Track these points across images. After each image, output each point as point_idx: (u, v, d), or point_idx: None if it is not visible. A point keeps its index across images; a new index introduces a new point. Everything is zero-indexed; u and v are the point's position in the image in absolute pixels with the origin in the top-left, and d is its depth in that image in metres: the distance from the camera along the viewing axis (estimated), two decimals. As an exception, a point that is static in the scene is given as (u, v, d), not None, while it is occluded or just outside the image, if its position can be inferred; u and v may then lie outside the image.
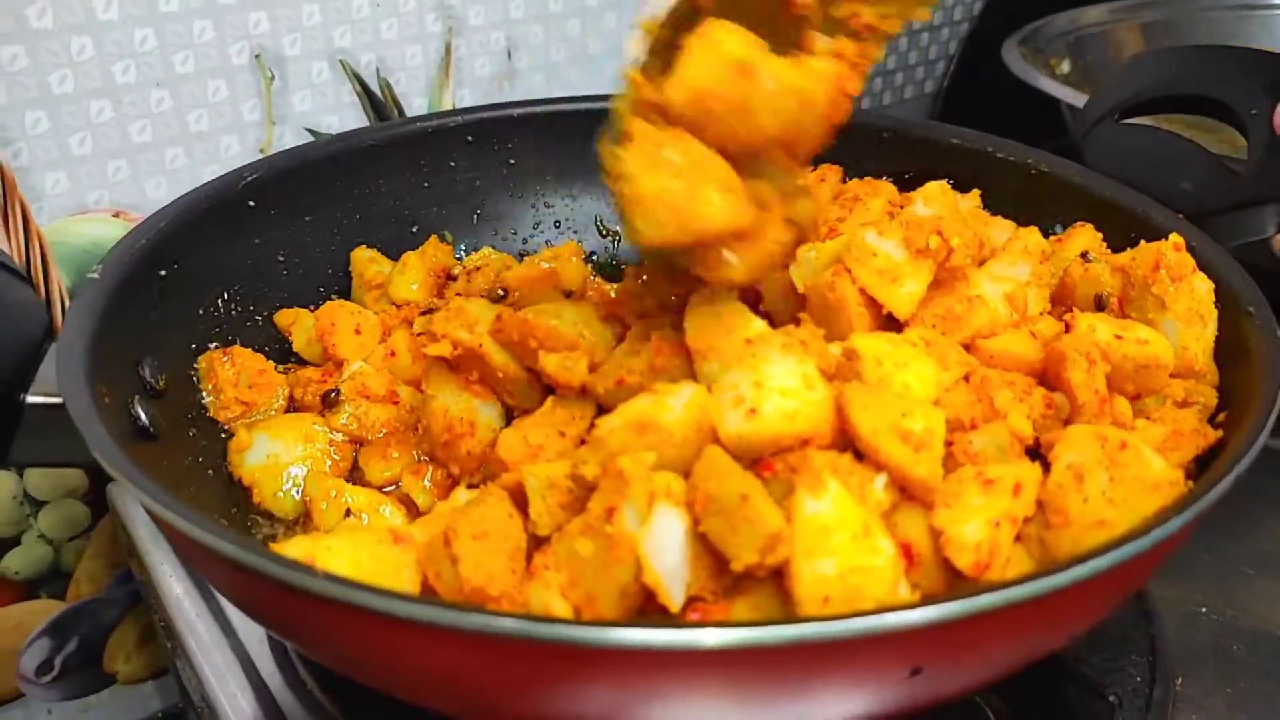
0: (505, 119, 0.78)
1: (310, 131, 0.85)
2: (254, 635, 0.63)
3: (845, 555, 0.39)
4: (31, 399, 0.50)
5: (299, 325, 0.67)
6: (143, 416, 0.52)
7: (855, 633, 0.34)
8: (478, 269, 0.70)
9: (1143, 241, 0.57)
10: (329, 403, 0.60)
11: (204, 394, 0.60)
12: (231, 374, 0.60)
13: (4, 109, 0.71)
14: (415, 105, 0.89)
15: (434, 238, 0.73)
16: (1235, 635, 0.59)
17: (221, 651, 0.62)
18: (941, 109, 1.32)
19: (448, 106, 0.91)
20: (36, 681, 0.88)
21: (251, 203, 0.67)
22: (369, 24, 0.84)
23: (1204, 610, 0.61)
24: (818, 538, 0.39)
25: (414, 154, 0.74)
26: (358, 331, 0.64)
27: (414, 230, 0.75)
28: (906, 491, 0.43)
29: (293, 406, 0.63)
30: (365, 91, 0.86)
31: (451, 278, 0.71)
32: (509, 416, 0.56)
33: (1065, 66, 1.15)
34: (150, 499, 0.40)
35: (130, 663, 0.92)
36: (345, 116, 0.86)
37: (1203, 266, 0.55)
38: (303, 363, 0.67)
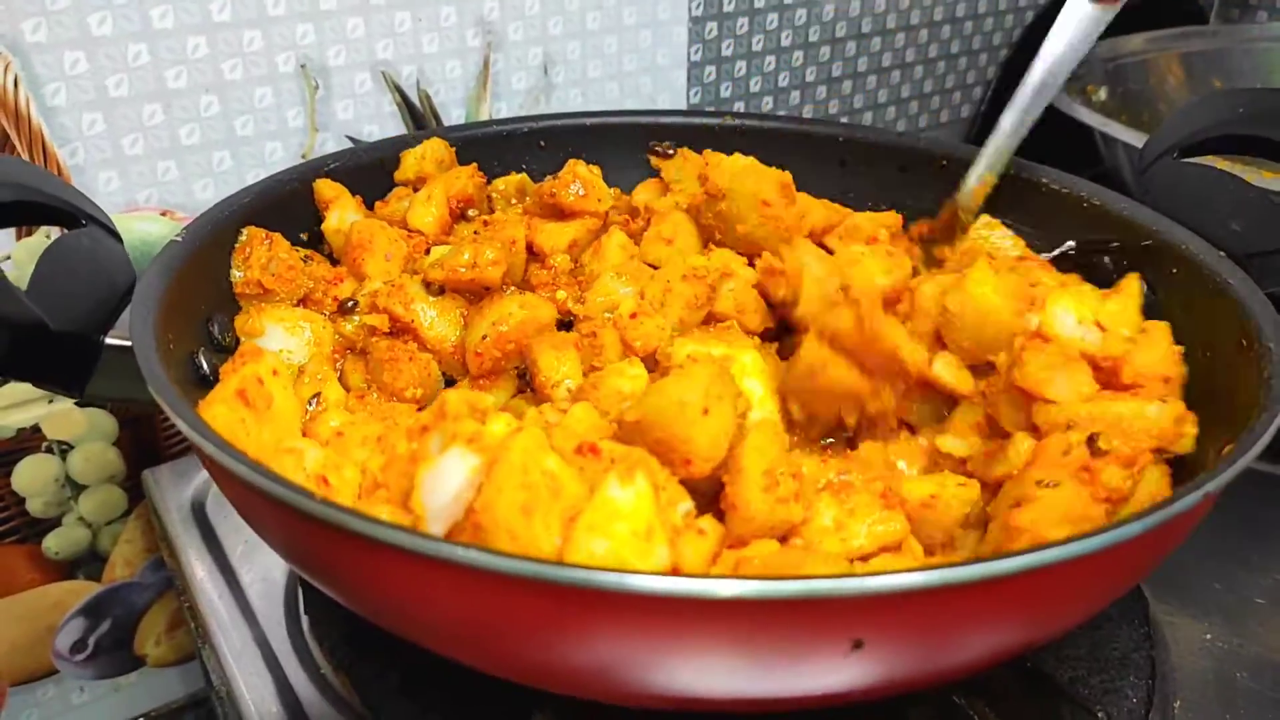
0: (578, 127, 0.81)
1: (351, 139, 0.88)
2: (273, 620, 0.65)
3: (618, 543, 0.41)
4: (109, 340, 0.55)
5: (338, 209, 0.70)
6: (204, 366, 0.57)
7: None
8: (487, 220, 0.72)
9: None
10: (343, 309, 0.65)
11: (233, 266, 0.64)
12: (264, 257, 0.63)
13: (64, 110, 0.75)
14: (454, 116, 0.92)
15: (473, 166, 0.75)
16: (1240, 663, 0.59)
17: (241, 635, 0.65)
18: (978, 134, 1.32)
19: (485, 118, 0.94)
20: (70, 659, 0.91)
21: None
22: (411, 37, 0.87)
23: (1209, 637, 0.60)
24: (604, 517, 0.42)
25: (488, 154, 0.78)
26: (388, 257, 0.67)
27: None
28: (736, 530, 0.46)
29: (301, 298, 0.66)
30: (405, 102, 0.89)
31: (466, 217, 0.72)
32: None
33: (1103, 94, 1.15)
34: (188, 426, 0.44)
35: (160, 646, 0.95)
36: (385, 125, 0.89)
37: (1236, 301, 0.57)
38: (318, 239, 0.70)
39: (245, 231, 0.64)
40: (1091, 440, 0.50)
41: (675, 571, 0.44)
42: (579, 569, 0.36)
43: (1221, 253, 0.61)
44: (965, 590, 0.36)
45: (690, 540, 0.45)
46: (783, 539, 0.48)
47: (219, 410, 0.50)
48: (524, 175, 0.78)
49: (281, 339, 0.62)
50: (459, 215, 0.72)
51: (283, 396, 0.53)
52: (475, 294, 0.64)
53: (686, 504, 0.46)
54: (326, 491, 0.47)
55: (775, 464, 0.47)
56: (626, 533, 0.42)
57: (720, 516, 0.48)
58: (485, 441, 0.44)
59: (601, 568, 0.39)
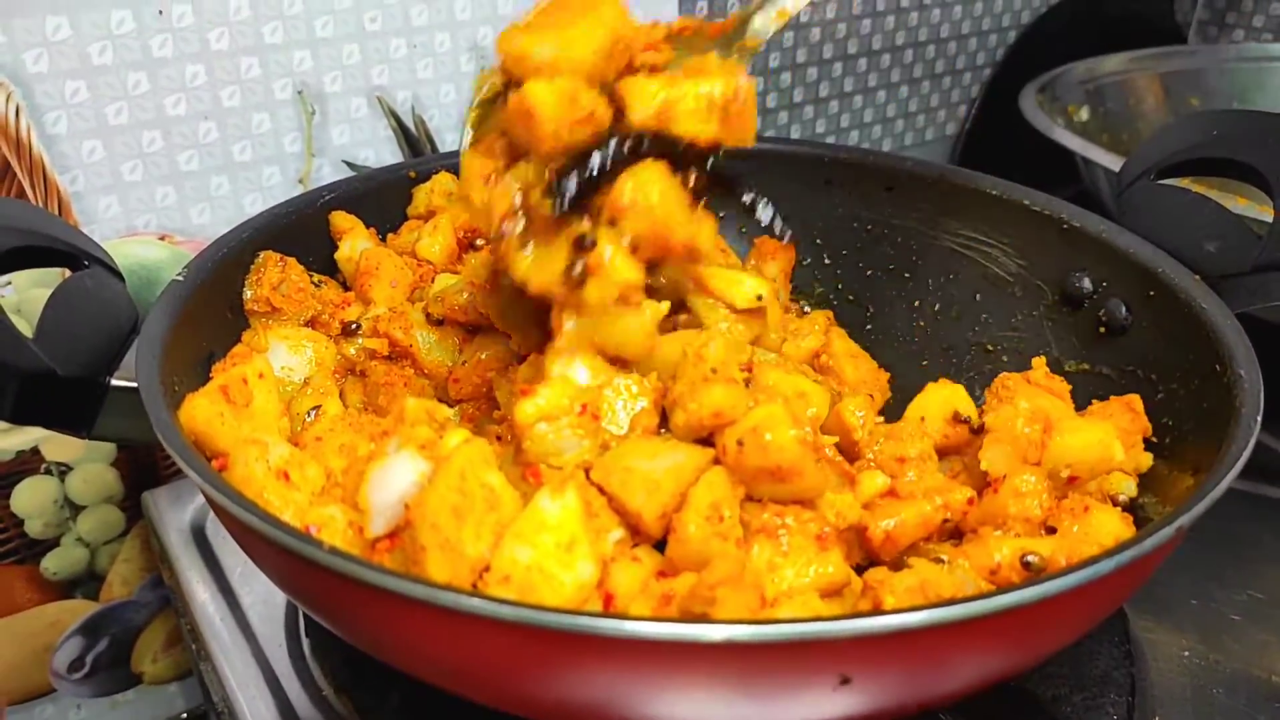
0: None
1: (348, 164, 0.89)
2: (274, 640, 0.66)
3: (541, 554, 0.43)
4: (115, 382, 0.56)
5: (351, 239, 0.71)
6: None
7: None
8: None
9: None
10: (347, 331, 0.66)
11: (246, 285, 0.65)
12: (276, 277, 0.65)
13: (64, 139, 0.76)
14: (448, 141, 0.94)
15: None
16: (1216, 679, 0.60)
17: (242, 655, 0.66)
18: (962, 152, 1.34)
19: (478, 141, 0.95)
20: (68, 678, 0.92)
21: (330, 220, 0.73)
22: (406, 63, 0.89)
23: (1187, 654, 0.62)
24: (532, 527, 0.44)
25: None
26: (393, 284, 0.69)
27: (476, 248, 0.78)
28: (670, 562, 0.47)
29: (309, 320, 0.67)
30: (401, 127, 0.91)
31: (474, 246, 0.74)
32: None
33: (1084, 114, 1.17)
34: (199, 475, 0.45)
35: (157, 664, 0.96)
36: (381, 150, 0.90)
37: (1207, 325, 0.58)
38: (332, 268, 0.72)
39: (261, 255, 0.66)
40: (1026, 561, 0.50)
41: (606, 593, 0.45)
42: (577, 615, 0.38)
43: (1196, 276, 0.63)
44: (947, 629, 0.38)
45: (624, 566, 0.46)
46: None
47: (200, 403, 0.51)
48: None
49: (284, 356, 0.64)
50: (467, 245, 0.73)
51: (263, 397, 0.54)
52: (472, 328, 0.66)
53: (618, 532, 0.47)
54: (286, 487, 0.49)
55: (722, 500, 0.47)
56: (550, 544, 0.43)
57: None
58: (437, 450, 0.46)
59: (606, 614, 0.41)
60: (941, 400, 0.62)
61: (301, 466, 0.49)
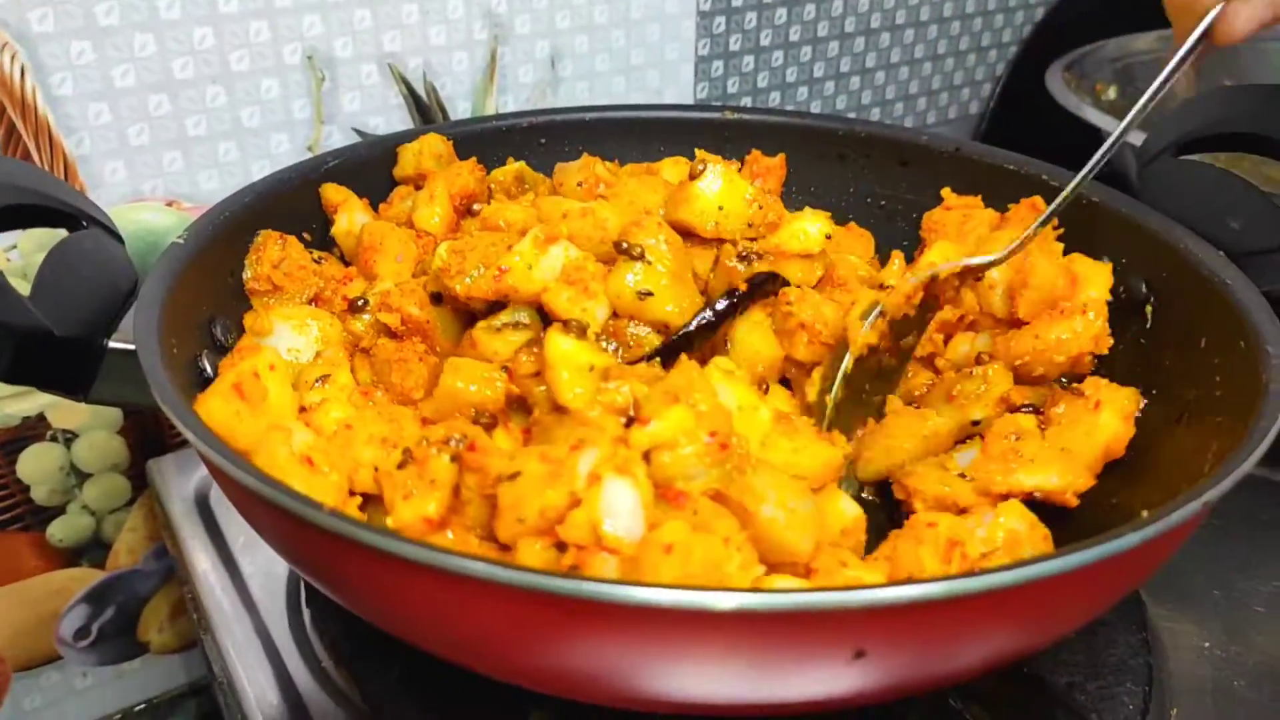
0: (578, 123, 0.81)
1: (357, 132, 0.88)
2: (274, 612, 0.66)
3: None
4: (113, 344, 0.55)
5: (346, 213, 0.70)
6: (209, 369, 0.57)
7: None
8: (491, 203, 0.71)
9: None
10: (353, 308, 0.65)
11: (246, 264, 0.64)
12: (276, 256, 0.64)
13: (70, 100, 0.75)
14: (460, 109, 0.92)
15: (473, 160, 0.74)
16: (1238, 671, 0.59)
17: (243, 626, 0.65)
18: (986, 131, 1.31)
19: (491, 112, 0.93)
20: (74, 646, 0.92)
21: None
22: (418, 30, 0.87)
23: (1208, 645, 0.60)
24: None
25: (488, 150, 0.77)
26: (399, 259, 0.67)
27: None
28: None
29: (311, 297, 0.66)
30: (412, 94, 0.89)
31: (472, 212, 0.72)
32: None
33: (1112, 93, 1.14)
34: (196, 437, 0.44)
35: (162, 634, 0.96)
36: (392, 118, 0.89)
37: (1235, 302, 0.57)
38: (322, 236, 0.70)
39: (260, 234, 0.65)
40: None
41: None
42: (585, 581, 0.37)
43: (1220, 252, 0.61)
44: (965, 601, 0.37)
45: None
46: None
47: (214, 404, 0.50)
48: (522, 164, 0.77)
49: (289, 337, 0.62)
50: (464, 211, 0.71)
51: (277, 389, 0.53)
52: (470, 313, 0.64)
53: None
54: (311, 473, 0.48)
55: None
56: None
57: None
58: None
59: (614, 581, 0.40)
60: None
61: (325, 452, 0.49)
